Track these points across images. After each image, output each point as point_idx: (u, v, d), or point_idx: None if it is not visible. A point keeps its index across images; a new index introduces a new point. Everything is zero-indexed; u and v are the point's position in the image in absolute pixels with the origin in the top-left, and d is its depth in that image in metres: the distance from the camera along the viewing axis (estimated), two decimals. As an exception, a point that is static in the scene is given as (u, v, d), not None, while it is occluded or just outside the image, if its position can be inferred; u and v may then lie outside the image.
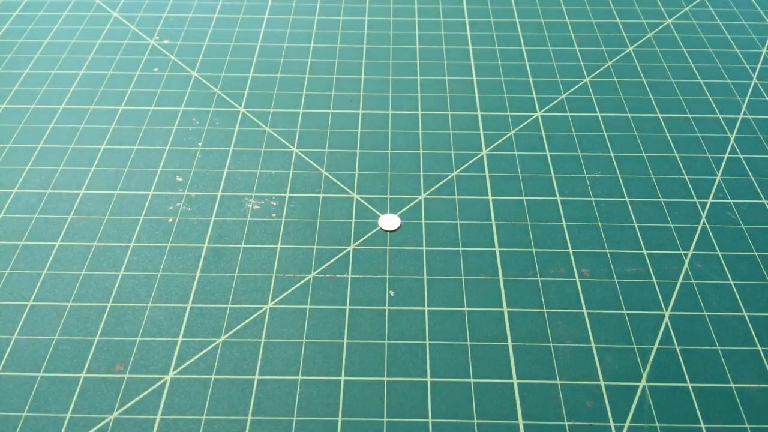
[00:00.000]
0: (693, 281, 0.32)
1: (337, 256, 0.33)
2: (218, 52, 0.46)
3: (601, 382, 0.28)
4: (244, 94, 0.43)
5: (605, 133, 0.40)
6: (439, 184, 0.37)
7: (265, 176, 0.37)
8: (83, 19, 0.49)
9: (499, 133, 0.40)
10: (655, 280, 0.32)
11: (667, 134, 0.40)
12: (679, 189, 0.37)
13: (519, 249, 0.34)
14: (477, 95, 0.43)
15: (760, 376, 0.29)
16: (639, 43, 0.47)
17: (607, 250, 0.34)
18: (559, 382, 0.28)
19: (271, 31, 0.48)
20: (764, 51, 0.46)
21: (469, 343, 0.30)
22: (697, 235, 0.34)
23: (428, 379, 0.29)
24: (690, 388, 0.28)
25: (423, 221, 0.35)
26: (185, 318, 0.31)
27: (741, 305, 0.31)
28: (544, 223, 0.35)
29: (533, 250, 0.34)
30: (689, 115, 0.41)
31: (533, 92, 0.43)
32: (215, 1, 0.51)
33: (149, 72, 0.44)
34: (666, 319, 0.31)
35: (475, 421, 0.27)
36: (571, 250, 0.34)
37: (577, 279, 0.32)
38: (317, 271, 0.33)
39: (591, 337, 0.30)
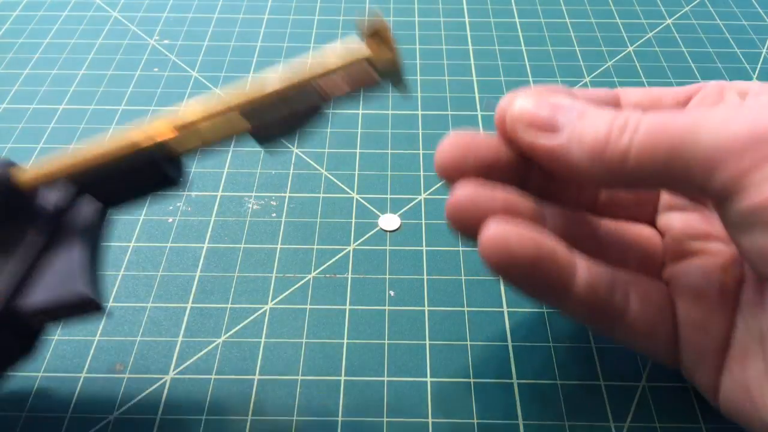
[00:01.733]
0: (693, 281, 0.32)
1: (337, 256, 0.33)
2: (218, 52, 0.46)
3: (601, 382, 0.28)
4: (244, 94, 0.42)
5: (605, 133, 0.40)
6: (439, 184, 0.37)
7: (265, 176, 0.37)
8: (83, 19, 0.49)
9: (499, 133, 0.40)
10: (655, 280, 0.32)
11: (667, 134, 0.40)
12: (679, 189, 0.37)
13: (519, 249, 0.34)
14: (477, 95, 0.43)
15: (760, 376, 0.29)
16: (639, 43, 0.47)
17: (607, 250, 0.34)
18: (559, 382, 0.28)
19: (271, 31, 0.48)
20: (764, 51, 0.46)
21: (469, 343, 0.30)
22: (697, 235, 0.34)
23: (428, 379, 0.29)
24: (690, 387, 0.28)
25: (423, 221, 0.35)
26: (185, 318, 0.31)
27: (741, 305, 0.31)
28: (544, 223, 0.35)
29: (533, 250, 0.34)
30: (689, 115, 0.41)
31: (533, 92, 0.43)
32: (215, 1, 0.51)
33: (149, 72, 0.44)
34: (666, 319, 0.31)
35: (475, 421, 0.27)
36: (571, 250, 0.33)
37: (577, 279, 0.32)
38: (317, 271, 0.33)
39: (591, 337, 0.30)
